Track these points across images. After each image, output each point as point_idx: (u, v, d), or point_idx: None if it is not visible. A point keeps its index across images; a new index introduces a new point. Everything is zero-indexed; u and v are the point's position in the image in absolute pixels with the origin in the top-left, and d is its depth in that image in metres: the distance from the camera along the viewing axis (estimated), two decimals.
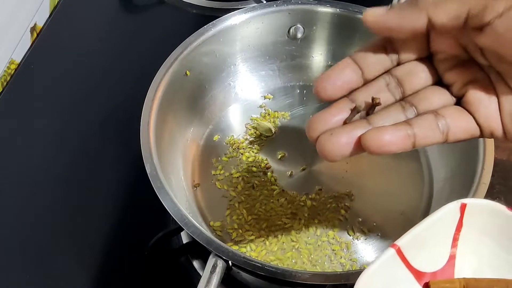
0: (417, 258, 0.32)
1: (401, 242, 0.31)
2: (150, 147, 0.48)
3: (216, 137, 0.58)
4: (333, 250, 0.51)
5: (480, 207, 0.33)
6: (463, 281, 0.33)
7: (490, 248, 0.33)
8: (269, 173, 0.56)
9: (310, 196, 0.55)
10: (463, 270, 0.33)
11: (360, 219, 0.53)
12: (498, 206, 0.32)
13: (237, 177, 0.56)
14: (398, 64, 0.33)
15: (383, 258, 0.31)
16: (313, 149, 0.59)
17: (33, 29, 0.72)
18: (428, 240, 0.32)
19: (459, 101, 0.32)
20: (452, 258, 0.33)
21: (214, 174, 0.56)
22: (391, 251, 0.31)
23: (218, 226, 0.53)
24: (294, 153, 0.58)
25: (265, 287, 0.51)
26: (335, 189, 0.55)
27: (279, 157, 0.58)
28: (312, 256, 0.51)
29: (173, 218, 0.44)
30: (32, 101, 0.66)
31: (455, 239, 0.33)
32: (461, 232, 0.33)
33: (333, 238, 0.52)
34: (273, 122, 0.60)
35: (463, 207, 0.32)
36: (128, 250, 0.54)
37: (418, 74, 0.33)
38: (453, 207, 0.32)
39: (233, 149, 0.58)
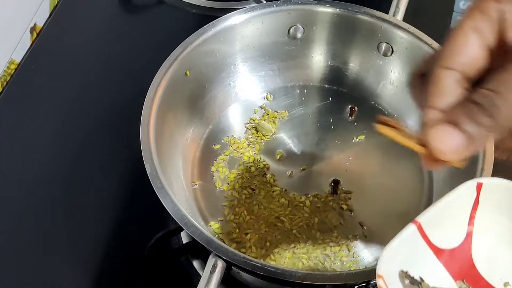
0: (436, 235, 0.33)
1: (422, 218, 0.32)
2: (150, 147, 0.48)
3: (217, 146, 0.58)
4: (333, 250, 0.51)
5: (496, 186, 0.33)
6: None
7: (506, 225, 0.34)
8: (268, 175, 0.56)
9: (310, 196, 0.55)
10: (480, 247, 0.34)
11: (360, 220, 0.53)
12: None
13: (237, 177, 0.56)
14: None
15: (405, 233, 0.32)
16: (313, 149, 0.59)
17: (33, 29, 0.72)
18: (446, 218, 0.33)
19: None
20: (469, 235, 0.34)
21: (214, 174, 0.56)
22: (413, 227, 0.32)
23: (218, 226, 0.53)
24: (294, 153, 0.58)
25: (265, 287, 0.51)
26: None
27: (278, 157, 0.58)
28: (312, 256, 0.51)
29: (173, 218, 0.44)
30: (32, 101, 0.66)
31: (472, 217, 0.34)
32: (477, 210, 0.34)
33: (333, 238, 0.52)
34: (273, 122, 0.60)
35: (479, 186, 0.33)
36: (128, 250, 0.54)
37: None
38: (470, 185, 0.33)
39: (233, 149, 0.58)
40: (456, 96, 0.29)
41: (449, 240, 0.34)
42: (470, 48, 0.29)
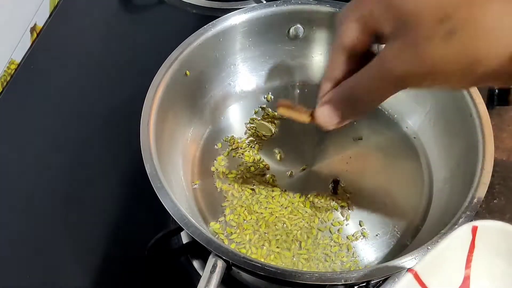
0: (434, 281, 0.33)
1: (418, 266, 0.32)
2: (150, 147, 0.48)
3: (218, 146, 0.58)
4: (333, 250, 0.51)
5: (491, 229, 0.33)
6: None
7: (502, 268, 0.34)
8: (268, 175, 0.56)
9: (310, 196, 0.55)
10: None
11: (360, 220, 0.53)
12: (507, 227, 0.33)
13: (237, 177, 0.56)
14: None
15: (401, 283, 0.32)
16: (313, 149, 0.59)
17: (33, 29, 0.72)
18: (443, 263, 0.33)
19: None
20: (466, 279, 0.34)
21: (214, 174, 0.56)
22: (409, 276, 0.32)
23: (218, 226, 0.53)
24: (294, 153, 0.58)
25: (265, 287, 0.51)
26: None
27: (278, 157, 0.58)
28: (312, 256, 0.51)
29: (173, 218, 0.44)
30: (32, 101, 0.66)
31: (469, 261, 0.34)
32: (473, 253, 0.34)
33: (333, 238, 0.52)
34: (273, 122, 0.60)
35: (474, 230, 0.33)
36: (128, 250, 0.54)
37: None
38: (465, 229, 0.33)
39: (233, 149, 0.58)
40: (342, 68, 0.38)
41: (447, 284, 0.34)
42: (352, 34, 0.36)
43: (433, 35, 0.31)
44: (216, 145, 0.58)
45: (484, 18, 0.30)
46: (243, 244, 0.52)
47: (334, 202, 0.54)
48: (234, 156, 0.58)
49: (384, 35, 0.35)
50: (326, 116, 0.39)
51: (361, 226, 0.53)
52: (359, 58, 0.38)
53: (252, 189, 0.55)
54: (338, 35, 0.37)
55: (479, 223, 0.33)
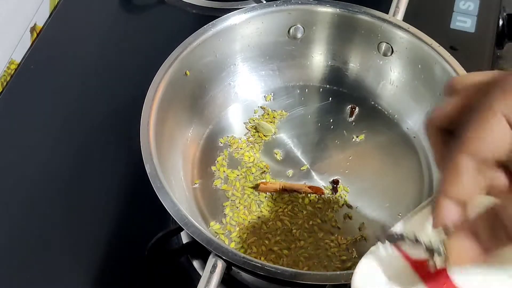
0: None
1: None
2: (150, 147, 0.48)
3: (219, 144, 0.58)
4: (333, 250, 0.51)
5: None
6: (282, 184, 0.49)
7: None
8: (268, 175, 0.56)
9: (310, 196, 0.55)
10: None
11: (360, 219, 0.53)
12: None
13: (237, 177, 0.56)
14: None
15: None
16: (313, 149, 0.59)
17: (33, 29, 0.72)
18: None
19: None
20: None
21: (214, 174, 0.56)
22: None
23: (218, 227, 0.53)
24: (294, 153, 0.58)
25: (265, 287, 0.51)
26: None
27: (278, 157, 0.58)
28: (312, 256, 0.51)
29: (173, 218, 0.44)
30: (32, 101, 0.66)
31: None
32: None
33: (333, 238, 0.52)
34: (273, 122, 0.60)
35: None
36: (128, 250, 0.54)
37: None
38: None
39: (233, 149, 0.58)
40: (477, 186, 0.28)
41: None
42: (500, 136, 0.26)
43: None
44: (215, 145, 0.58)
45: None
46: (243, 244, 0.52)
47: (334, 201, 0.54)
48: (234, 156, 0.58)
49: None
50: (470, 257, 0.27)
51: (361, 225, 0.53)
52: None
53: (252, 189, 0.55)
54: (475, 137, 0.27)
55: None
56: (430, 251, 0.29)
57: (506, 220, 0.26)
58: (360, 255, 0.51)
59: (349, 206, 0.54)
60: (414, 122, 0.59)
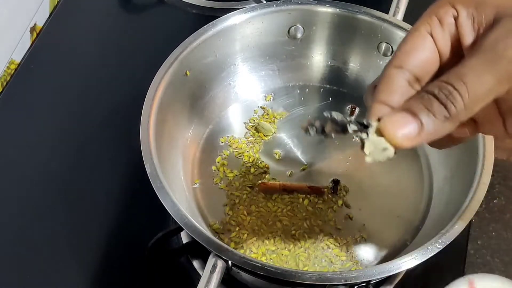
0: None
1: None
2: (150, 147, 0.48)
3: (223, 139, 0.58)
4: (333, 251, 0.51)
5: (487, 284, 0.32)
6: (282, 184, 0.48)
7: None
8: (268, 175, 0.56)
9: (309, 196, 0.55)
10: None
11: (359, 219, 0.53)
12: (504, 281, 0.32)
13: (237, 177, 0.56)
14: None
15: None
16: (313, 149, 0.59)
17: (33, 29, 0.72)
18: None
19: None
20: None
21: (213, 174, 0.56)
22: None
23: (218, 226, 0.53)
24: (294, 153, 0.58)
25: (265, 287, 0.51)
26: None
27: (278, 157, 0.58)
28: (312, 256, 0.51)
29: (173, 218, 0.44)
30: (32, 101, 0.66)
31: None
32: None
33: (333, 238, 0.52)
34: (273, 122, 0.60)
35: (471, 283, 0.32)
36: (128, 250, 0.54)
37: None
38: (462, 284, 0.33)
39: (233, 149, 0.58)
40: (405, 95, 0.30)
41: None
42: (424, 52, 0.30)
43: None
44: (216, 145, 0.58)
45: None
46: (243, 243, 0.52)
47: (333, 202, 0.54)
48: (234, 156, 0.58)
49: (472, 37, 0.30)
50: (408, 133, 0.29)
51: (361, 226, 0.53)
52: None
53: (252, 189, 0.55)
54: (403, 51, 0.31)
55: (476, 277, 0.33)
56: (362, 125, 0.30)
57: (437, 91, 0.29)
58: (360, 256, 0.51)
59: (349, 207, 0.54)
60: None
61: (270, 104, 0.62)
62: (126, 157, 0.60)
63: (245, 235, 0.52)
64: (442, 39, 0.31)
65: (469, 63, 0.29)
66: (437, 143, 0.33)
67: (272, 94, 0.62)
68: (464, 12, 0.30)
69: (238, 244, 0.52)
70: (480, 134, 0.49)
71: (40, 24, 0.73)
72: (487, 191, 0.46)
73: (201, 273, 0.47)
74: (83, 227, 0.56)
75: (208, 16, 0.68)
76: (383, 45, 0.58)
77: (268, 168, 0.57)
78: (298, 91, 0.63)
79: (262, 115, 0.61)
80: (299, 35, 0.61)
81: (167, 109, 0.52)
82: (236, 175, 0.56)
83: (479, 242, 0.55)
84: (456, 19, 0.30)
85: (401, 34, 0.57)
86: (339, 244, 0.52)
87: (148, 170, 0.46)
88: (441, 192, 0.53)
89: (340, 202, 0.54)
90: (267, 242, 0.52)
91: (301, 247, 0.51)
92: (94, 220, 0.56)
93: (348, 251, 0.51)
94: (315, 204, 0.54)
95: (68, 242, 0.55)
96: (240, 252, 0.47)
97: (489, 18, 0.29)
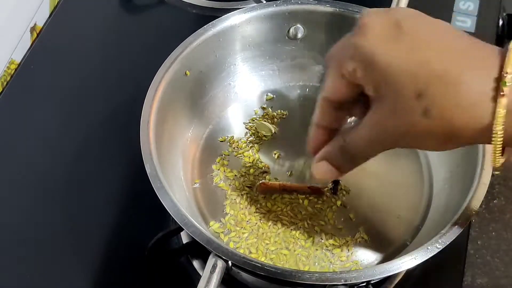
0: None
1: None
2: (150, 147, 0.48)
3: (223, 138, 0.58)
4: (333, 251, 0.51)
5: None
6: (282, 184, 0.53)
7: None
8: (268, 175, 0.56)
9: (309, 196, 0.55)
10: None
11: (359, 219, 0.53)
12: None
13: (237, 176, 0.56)
14: None
15: None
16: None
17: (33, 29, 0.72)
18: None
19: None
20: None
21: (213, 174, 0.56)
22: None
23: (218, 226, 0.53)
24: (294, 153, 0.58)
25: (265, 287, 0.51)
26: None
27: (278, 157, 0.58)
28: (312, 256, 0.51)
29: (173, 218, 0.44)
30: (32, 101, 0.66)
31: None
32: None
33: (333, 238, 0.52)
34: (273, 122, 0.60)
35: None
36: (128, 250, 0.54)
37: None
38: None
39: (233, 149, 0.58)
40: (331, 116, 0.42)
41: None
42: (338, 87, 0.39)
43: (412, 110, 0.34)
44: (216, 145, 0.58)
45: (456, 95, 0.33)
46: (243, 243, 0.52)
47: (333, 202, 0.54)
48: (234, 156, 0.58)
49: (369, 96, 0.37)
50: (325, 172, 0.42)
51: (361, 226, 0.53)
52: (348, 106, 0.41)
53: (252, 189, 0.55)
54: (325, 87, 0.40)
55: None
56: None
57: (351, 151, 0.41)
58: (360, 256, 0.51)
59: (349, 206, 0.54)
60: None
61: (270, 104, 0.62)
62: (126, 157, 0.60)
63: (245, 235, 0.52)
64: (348, 80, 0.39)
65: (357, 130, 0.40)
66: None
67: (272, 94, 0.62)
68: (358, 64, 0.37)
69: (238, 244, 0.52)
70: None
71: (40, 24, 0.73)
72: (487, 191, 0.46)
73: (201, 273, 0.47)
74: (83, 227, 0.56)
75: (208, 16, 0.68)
76: None
77: (268, 168, 0.57)
78: (298, 91, 0.63)
79: (262, 115, 0.61)
80: (299, 35, 0.61)
81: (167, 109, 0.53)
82: (236, 175, 0.56)
83: (479, 242, 0.55)
84: (354, 70, 0.37)
85: None
86: (339, 244, 0.52)
87: (148, 170, 0.46)
88: (441, 192, 0.53)
89: (339, 202, 0.54)
90: (267, 242, 0.52)
91: (301, 247, 0.51)
92: (94, 220, 0.56)
93: (348, 251, 0.51)
94: (315, 204, 0.54)
95: (68, 242, 0.55)
96: (240, 252, 0.47)
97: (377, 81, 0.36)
